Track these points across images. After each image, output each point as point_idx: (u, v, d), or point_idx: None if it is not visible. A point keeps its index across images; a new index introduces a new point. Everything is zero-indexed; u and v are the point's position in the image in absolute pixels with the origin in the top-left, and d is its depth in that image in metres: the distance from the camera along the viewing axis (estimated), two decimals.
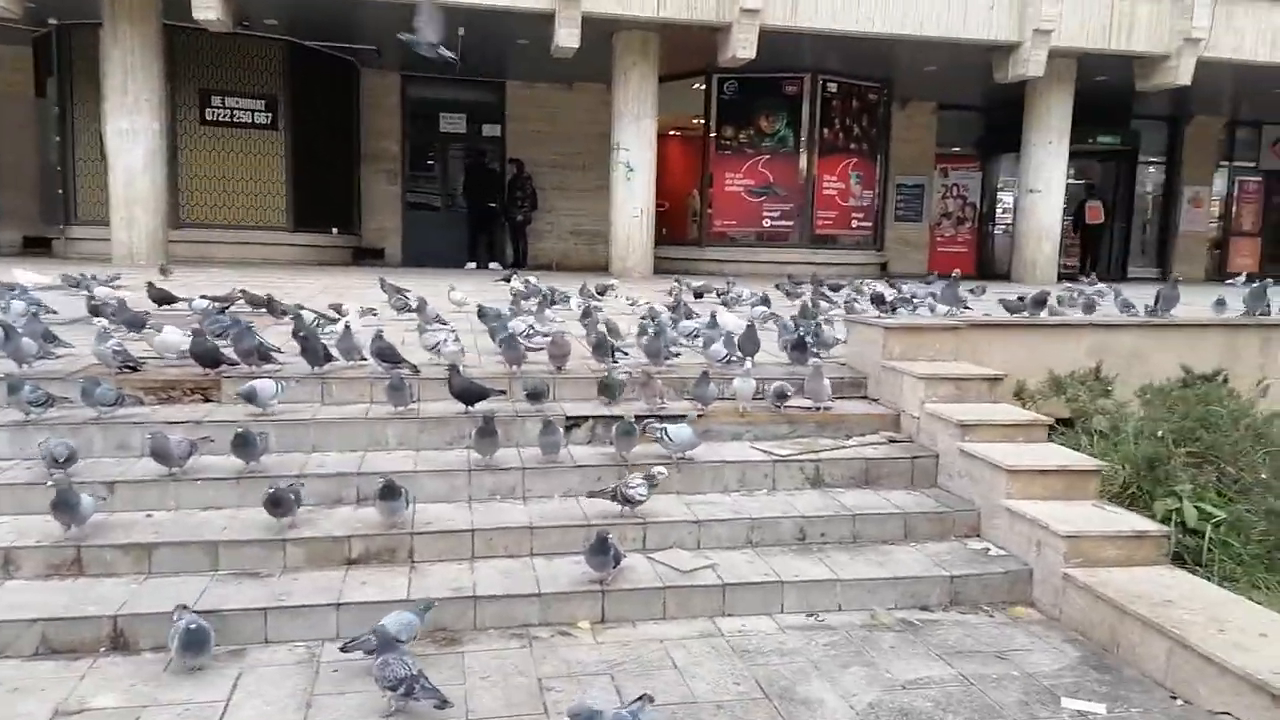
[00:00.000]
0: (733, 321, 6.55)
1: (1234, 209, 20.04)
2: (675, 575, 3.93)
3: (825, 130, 15.81)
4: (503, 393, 5.02)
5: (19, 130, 14.61)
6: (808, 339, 5.73)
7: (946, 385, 5.08)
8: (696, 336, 5.96)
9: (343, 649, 3.31)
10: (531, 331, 5.92)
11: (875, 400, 5.53)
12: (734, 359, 5.62)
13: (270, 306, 6.59)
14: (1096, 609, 3.68)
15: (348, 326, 5.47)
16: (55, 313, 6.40)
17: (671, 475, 4.60)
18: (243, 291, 7.14)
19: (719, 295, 9.11)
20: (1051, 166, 14.91)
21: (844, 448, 4.97)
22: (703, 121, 16.07)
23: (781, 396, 5.05)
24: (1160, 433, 4.56)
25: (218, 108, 13.73)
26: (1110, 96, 15.84)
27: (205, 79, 13.67)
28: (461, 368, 5.09)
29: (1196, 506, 4.16)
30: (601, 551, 3.75)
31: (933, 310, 7.04)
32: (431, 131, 17.06)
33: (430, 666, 3.20)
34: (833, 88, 15.78)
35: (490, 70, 16.32)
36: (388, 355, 5.15)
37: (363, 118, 16.39)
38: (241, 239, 14.04)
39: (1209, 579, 3.91)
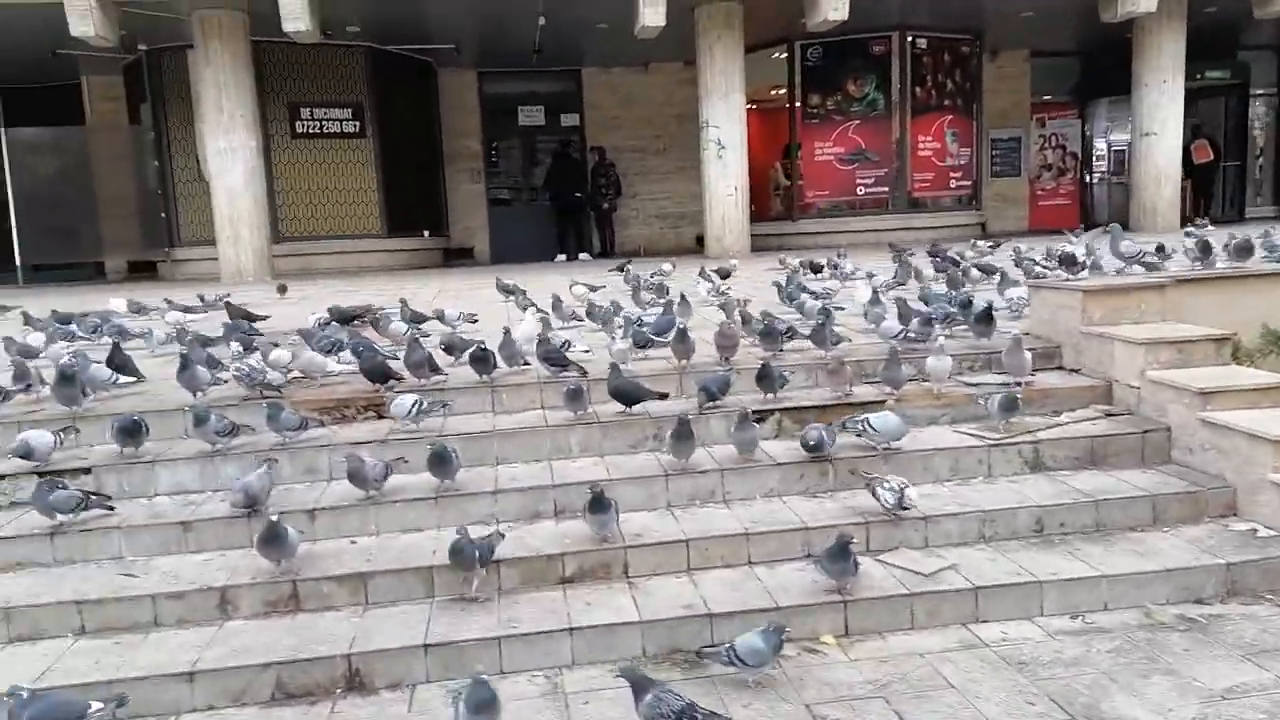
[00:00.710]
0: (865, 294, 6.17)
1: None
2: (916, 580, 3.60)
3: (917, 89, 15.17)
4: (664, 395, 4.69)
5: (116, 159, 14.83)
6: (992, 310, 5.30)
7: (1168, 350, 4.62)
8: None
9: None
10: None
11: (1075, 371, 5.09)
12: (912, 334, 5.23)
13: (416, 317, 6.38)
14: None
15: (507, 331, 5.23)
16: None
17: (878, 466, 4.28)
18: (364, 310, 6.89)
19: (832, 269, 8.66)
20: (1166, 107, 14.07)
21: (1058, 425, 4.56)
22: (785, 92, 15.58)
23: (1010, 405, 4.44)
24: None
25: (307, 120, 13.72)
26: (1216, 29, 14.84)
27: (293, 92, 13.66)
28: (623, 366, 4.82)
29: None
30: (842, 558, 3.44)
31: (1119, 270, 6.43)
32: (511, 126, 16.88)
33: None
34: (922, 43, 15.12)
35: (566, 59, 16.07)
36: (555, 359, 4.91)
37: (443, 118, 16.27)
38: (339, 249, 14.05)
39: None
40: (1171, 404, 4.41)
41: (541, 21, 13.30)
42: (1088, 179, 18.55)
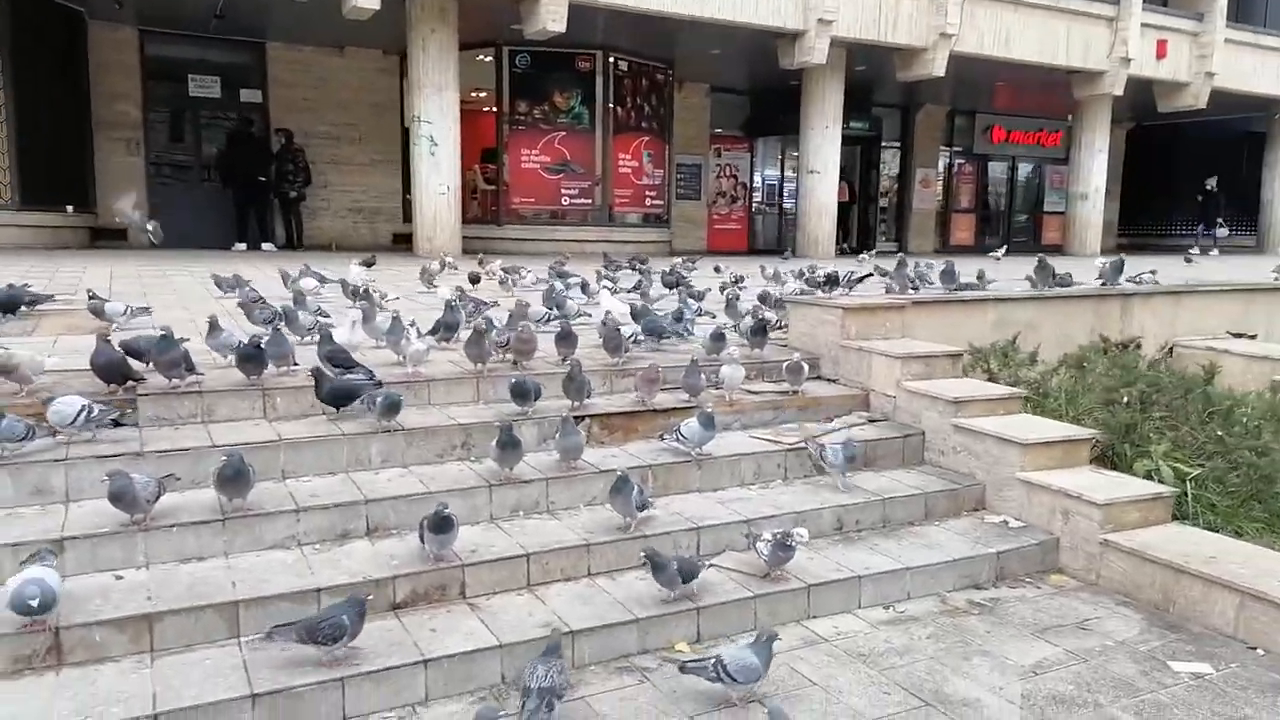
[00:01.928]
0: (618, 306, 6.24)
1: (954, 188, 22.57)
2: (754, 582, 3.68)
3: (618, 108, 15.78)
4: (378, 384, 4.25)
5: None
6: (766, 324, 5.62)
7: (917, 363, 5.20)
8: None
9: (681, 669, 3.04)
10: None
11: (834, 381, 5.55)
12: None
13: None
14: (1143, 571, 3.93)
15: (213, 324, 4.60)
16: None
17: (690, 472, 4.35)
18: None
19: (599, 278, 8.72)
20: (828, 149, 15.92)
21: (835, 431, 4.93)
22: (487, 95, 15.45)
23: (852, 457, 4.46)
24: (1126, 399, 4.97)
25: None
26: (858, 87, 17.11)
27: None
28: (413, 369, 4.44)
29: (1172, 467, 4.57)
30: (660, 569, 3.39)
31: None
32: (179, 96, 14.92)
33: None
34: (624, 66, 15.75)
35: (246, 29, 14.58)
36: (340, 359, 4.38)
37: (93, 79, 13.98)
38: None
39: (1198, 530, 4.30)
40: (926, 411, 4.97)
41: None
42: (757, 207, 20.49)
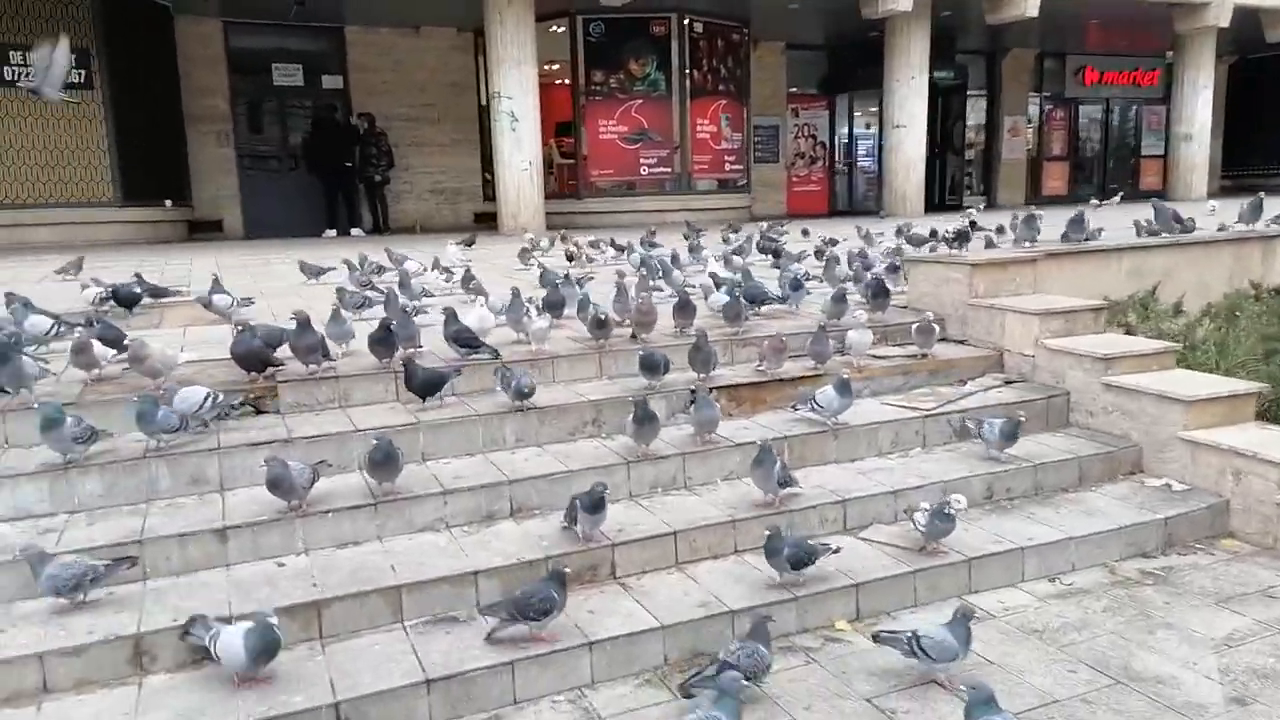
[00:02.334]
0: (723, 273, 6.07)
1: (1045, 135, 21.63)
2: (910, 556, 3.53)
3: (694, 72, 15.47)
4: (457, 373, 4.16)
5: None
6: (888, 284, 5.41)
7: (1058, 319, 4.93)
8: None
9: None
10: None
11: (962, 342, 5.31)
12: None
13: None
14: None
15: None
16: None
17: (826, 442, 4.20)
18: None
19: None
20: (914, 101, 15.37)
21: (968, 395, 4.72)
22: (559, 67, 15.32)
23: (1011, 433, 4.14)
24: None
25: (18, 65, 11.43)
26: (942, 34, 16.40)
27: (4, 30, 11.34)
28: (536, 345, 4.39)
29: None
30: (774, 553, 3.22)
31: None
32: (264, 85, 15.17)
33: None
34: (698, 28, 15.42)
35: (326, 14, 14.70)
36: (466, 339, 4.35)
37: (183, 72, 14.29)
38: (60, 218, 11.90)
39: None
40: (1070, 370, 4.71)
41: None
42: (837, 167, 19.97)
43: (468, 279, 6.01)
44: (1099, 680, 2.92)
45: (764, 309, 5.38)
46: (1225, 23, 16.27)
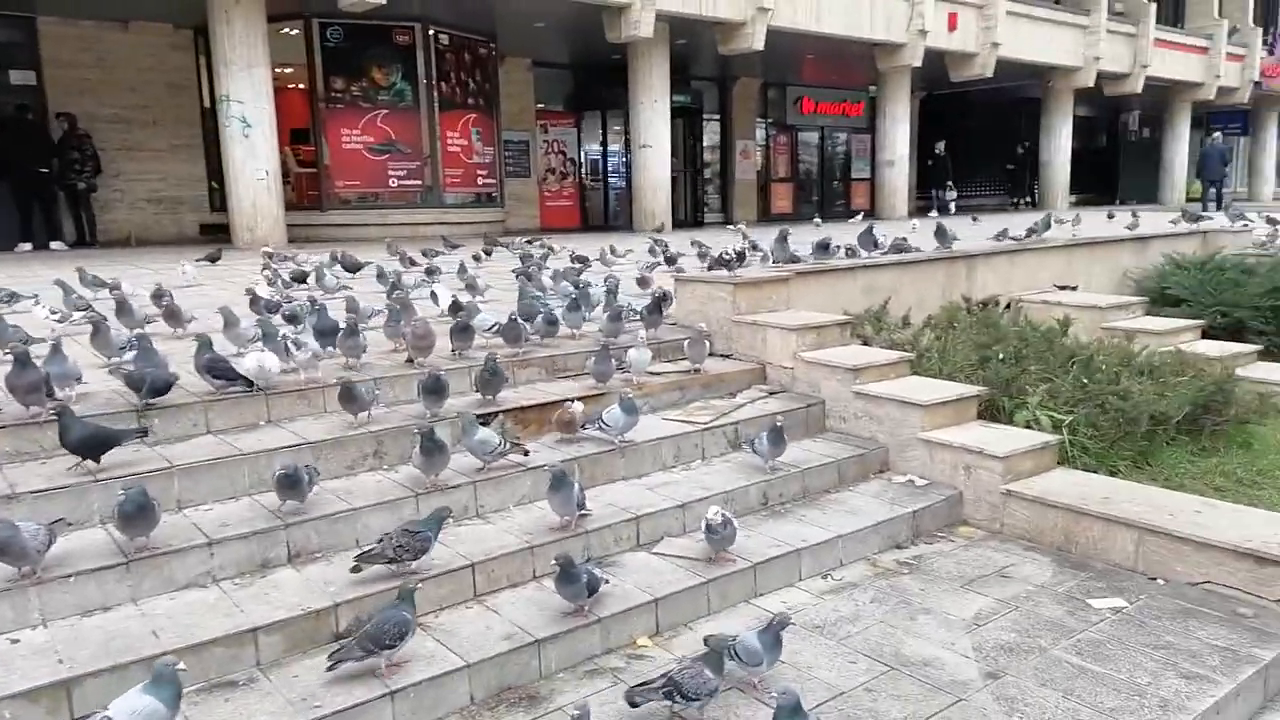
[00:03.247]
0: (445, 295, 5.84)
1: (772, 158, 23.39)
2: (700, 566, 3.66)
3: (443, 84, 15.20)
4: (143, 433, 3.66)
5: None
6: (662, 302, 5.58)
7: (811, 334, 5.32)
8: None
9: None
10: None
11: (728, 356, 5.58)
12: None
13: None
14: (1045, 517, 4.21)
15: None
16: None
17: (615, 461, 4.27)
18: None
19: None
20: (658, 123, 16.06)
21: (742, 407, 4.98)
22: (300, 71, 14.47)
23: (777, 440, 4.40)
24: (1001, 355, 5.29)
25: None
26: (679, 61, 17.26)
27: None
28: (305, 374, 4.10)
29: (1049, 415, 4.92)
30: (571, 581, 3.18)
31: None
32: None
33: None
34: (445, 39, 15.18)
35: (12, 2, 12.93)
36: (220, 370, 3.97)
37: None
38: None
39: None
40: (825, 380, 5.10)
41: None
42: (587, 183, 20.42)
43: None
44: (876, 668, 3.17)
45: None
46: (918, 62, 18.41)
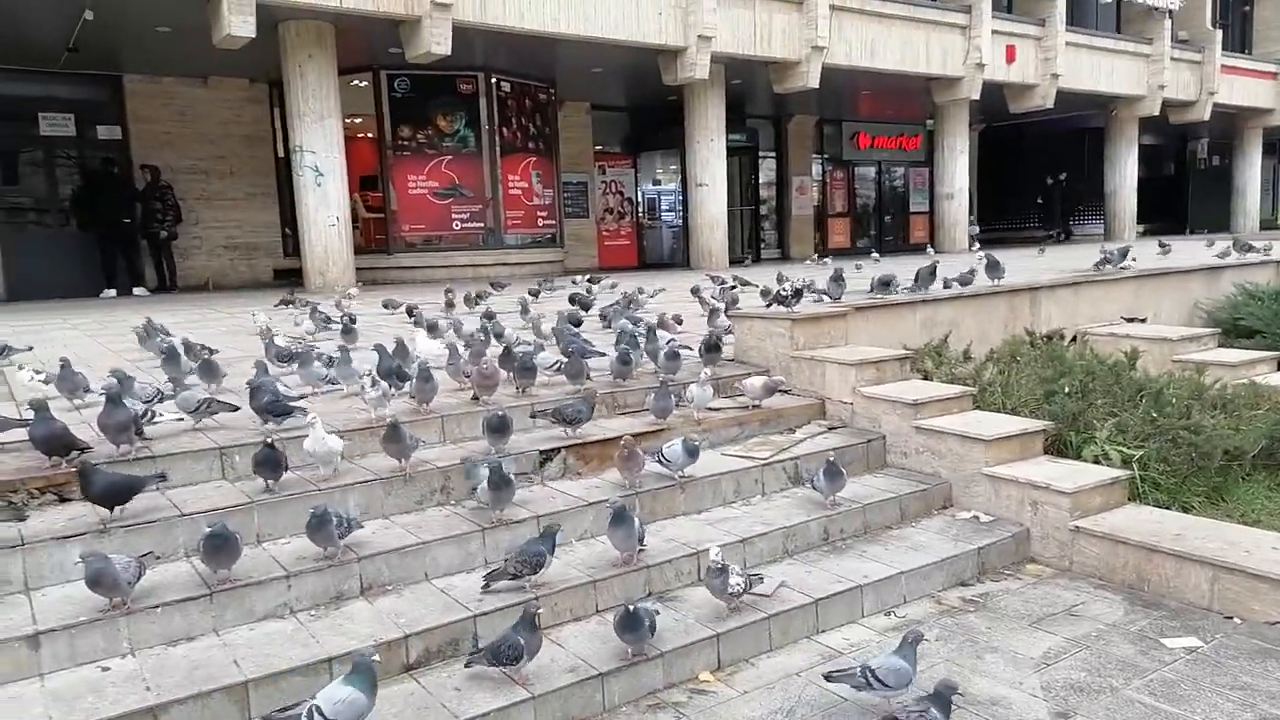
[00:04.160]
0: (430, 349, 5.59)
1: (828, 193, 23.39)
2: (763, 601, 3.67)
3: (504, 129, 15.59)
4: (161, 477, 3.63)
5: None
6: (720, 340, 5.64)
7: (871, 369, 5.33)
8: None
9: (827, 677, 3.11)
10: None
11: (788, 392, 5.60)
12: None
13: None
14: (1116, 554, 4.13)
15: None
16: None
17: (675, 496, 4.31)
18: None
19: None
20: (714, 162, 16.20)
21: (801, 442, 4.99)
22: (369, 121, 15.03)
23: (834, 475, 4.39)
24: (1068, 389, 5.22)
25: None
26: (734, 100, 17.44)
27: None
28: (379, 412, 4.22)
29: (1118, 450, 4.83)
30: (634, 627, 3.19)
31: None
32: (29, 134, 13.85)
33: None
34: (506, 86, 15.60)
35: (103, 62, 13.71)
36: (278, 408, 4.14)
37: None
38: None
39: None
40: (885, 415, 5.09)
41: (88, 15, 11.20)
42: (644, 222, 20.67)
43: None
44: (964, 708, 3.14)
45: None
46: (976, 95, 18.30)
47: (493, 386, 4.75)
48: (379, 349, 4.96)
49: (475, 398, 4.80)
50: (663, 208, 21.09)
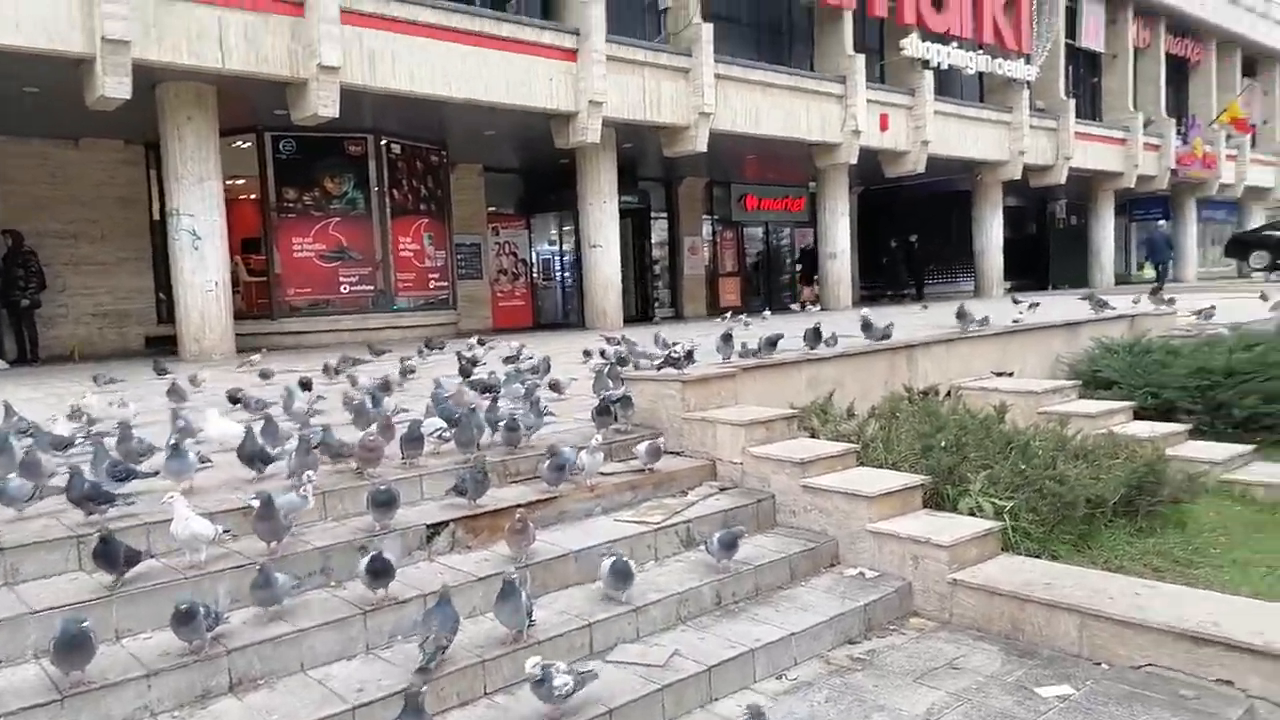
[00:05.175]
0: (226, 429, 5.20)
1: (719, 253, 23.98)
2: (657, 672, 3.64)
3: (395, 191, 15.50)
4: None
5: None
6: (613, 405, 5.65)
7: (760, 429, 5.42)
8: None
9: None
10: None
11: (679, 454, 5.65)
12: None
13: None
14: (992, 604, 4.27)
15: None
16: None
17: (567, 566, 4.27)
18: None
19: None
20: (607, 223, 16.44)
21: (693, 505, 5.03)
22: (251, 182, 14.69)
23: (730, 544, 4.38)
24: (943, 443, 5.43)
25: None
26: (626, 163, 17.81)
27: None
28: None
29: (990, 502, 5.04)
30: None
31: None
32: None
33: None
34: (397, 148, 15.54)
35: None
36: (99, 496, 3.91)
37: None
38: None
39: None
40: (774, 474, 5.18)
41: None
42: (538, 283, 20.73)
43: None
44: None
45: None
46: (854, 160, 19.20)
47: (376, 459, 4.62)
48: (173, 447, 4.39)
49: (359, 471, 4.67)
50: (557, 268, 21.22)
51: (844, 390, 6.95)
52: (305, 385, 7.06)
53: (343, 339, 14.14)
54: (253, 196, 14.88)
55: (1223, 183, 30.39)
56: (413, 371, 8.36)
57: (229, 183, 14.39)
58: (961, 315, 8.79)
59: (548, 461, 4.73)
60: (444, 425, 5.15)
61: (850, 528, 4.83)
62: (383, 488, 4.11)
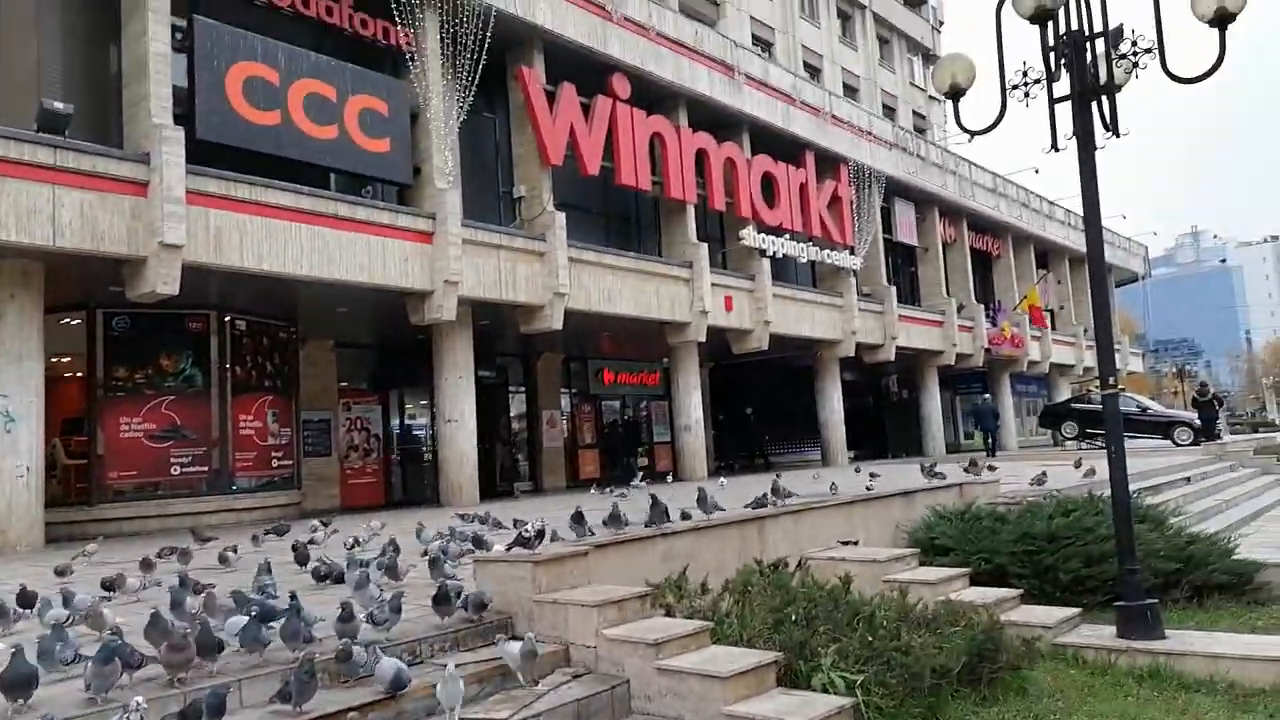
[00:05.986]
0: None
1: (577, 426, 24.13)
2: None
3: (237, 367, 14.99)
4: None
5: None
6: (450, 593, 5.42)
7: (612, 609, 5.32)
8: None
9: None
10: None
11: (519, 639, 5.41)
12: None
13: None
14: None
15: None
16: None
17: None
18: None
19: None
20: (464, 398, 16.35)
21: (544, 695, 4.81)
22: (77, 360, 13.92)
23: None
24: (794, 617, 5.46)
25: None
26: (484, 338, 17.99)
27: None
28: None
29: (841, 676, 5.06)
30: None
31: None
32: None
33: None
34: (242, 325, 15.18)
35: None
36: None
37: None
38: None
39: None
40: (628, 658, 5.06)
41: None
42: (392, 459, 20.13)
43: None
44: None
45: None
46: (702, 338, 20.13)
47: (186, 662, 4.21)
48: None
49: (171, 681, 4.23)
50: (413, 443, 20.74)
51: (699, 564, 6.97)
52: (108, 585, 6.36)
53: (168, 525, 13.14)
54: (78, 374, 14.04)
55: (1031, 360, 33.52)
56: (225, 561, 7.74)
57: (53, 360, 13.62)
58: (776, 491, 8.87)
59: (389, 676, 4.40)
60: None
61: (707, 711, 4.72)
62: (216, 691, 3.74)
